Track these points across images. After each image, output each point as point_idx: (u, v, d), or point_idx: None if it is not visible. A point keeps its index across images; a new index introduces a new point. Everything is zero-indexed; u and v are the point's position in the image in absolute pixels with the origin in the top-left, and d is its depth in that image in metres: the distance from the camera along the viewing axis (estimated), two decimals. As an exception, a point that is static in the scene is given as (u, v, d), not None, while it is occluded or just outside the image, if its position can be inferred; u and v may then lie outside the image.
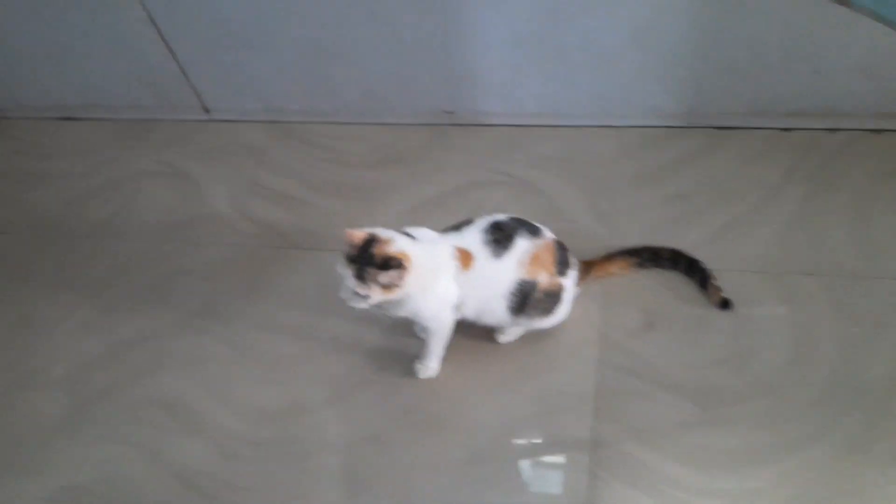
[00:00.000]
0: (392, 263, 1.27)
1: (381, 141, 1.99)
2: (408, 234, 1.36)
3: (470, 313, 1.45)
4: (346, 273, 1.30)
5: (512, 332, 1.55)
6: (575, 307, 1.53)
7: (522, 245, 1.40)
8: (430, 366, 1.55)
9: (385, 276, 1.28)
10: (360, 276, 1.28)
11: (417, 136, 1.97)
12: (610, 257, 1.61)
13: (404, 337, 1.61)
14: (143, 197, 2.01)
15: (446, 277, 1.37)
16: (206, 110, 2.09)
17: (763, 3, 1.54)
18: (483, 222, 1.43)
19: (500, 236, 1.40)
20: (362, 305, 1.32)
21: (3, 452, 1.62)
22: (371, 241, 1.30)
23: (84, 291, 1.85)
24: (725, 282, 1.56)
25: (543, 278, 1.41)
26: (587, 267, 1.56)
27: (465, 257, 1.38)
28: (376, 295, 1.30)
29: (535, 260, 1.40)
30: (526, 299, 1.41)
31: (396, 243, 1.30)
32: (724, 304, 1.54)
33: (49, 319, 1.81)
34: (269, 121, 2.07)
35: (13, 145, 2.19)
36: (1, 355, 1.77)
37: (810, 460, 1.36)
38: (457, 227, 1.44)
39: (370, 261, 1.28)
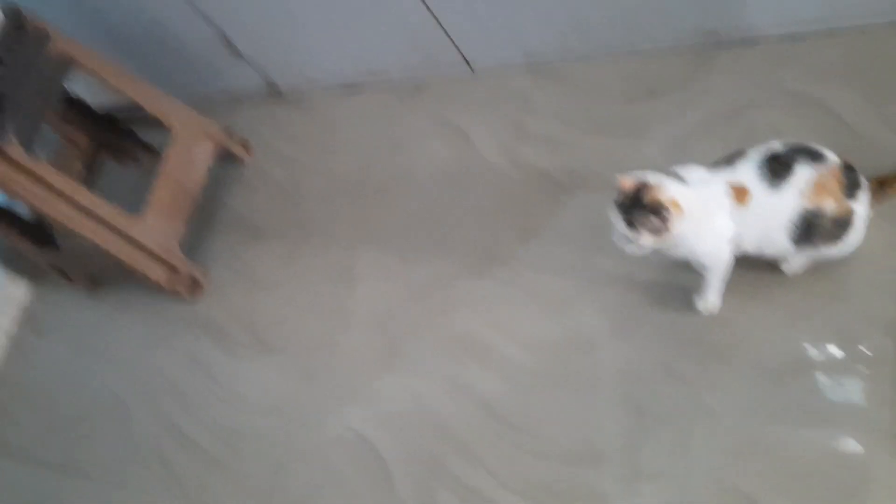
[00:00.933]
0: (662, 210, 1.29)
1: (641, 72, 1.96)
2: (677, 176, 1.37)
3: (750, 247, 1.43)
4: (617, 219, 1.34)
5: (798, 261, 1.49)
6: (869, 230, 1.43)
7: (803, 173, 1.33)
8: (711, 299, 1.55)
9: (655, 223, 1.30)
10: (631, 223, 1.32)
11: (679, 62, 1.91)
12: None
13: (680, 271, 1.61)
14: (422, 153, 2.19)
15: (720, 215, 1.36)
16: (470, 65, 2.21)
17: None
18: (757, 153, 1.38)
19: (777, 166, 1.34)
20: (635, 251, 1.36)
21: (338, 384, 1.93)
22: (641, 187, 1.33)
23: (382, 243, 2.10)
24: None
25: (829, 205, 1.33)
26: (880, 185, 1.44)
27: (739, 193, 1.35)
28: (648, 241, 1.33)
29: (818, 187, 1.33)
30: (811, 229, 1.35)
31: (666, 189, 1.32)
32: None
33: (357, 270, 2.08)
34: (528, 66, 2.14)
35: (310, 118, 2.50)
36: (326, 302, 2.07)
37: None
38: (729, 161, 1.41)
39: (640, 208, 1.31)
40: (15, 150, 1.85)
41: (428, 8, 2.04)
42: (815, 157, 1.35)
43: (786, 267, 1.51)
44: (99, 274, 2.43)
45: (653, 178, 1.34)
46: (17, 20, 1.90)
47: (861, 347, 1.42)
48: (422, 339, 1.87)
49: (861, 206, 1.37)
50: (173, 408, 2.13)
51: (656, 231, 1.32)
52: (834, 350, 1.44)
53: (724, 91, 1.80)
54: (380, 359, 1.90)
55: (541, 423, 1.64)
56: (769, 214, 1.36)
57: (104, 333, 2.37)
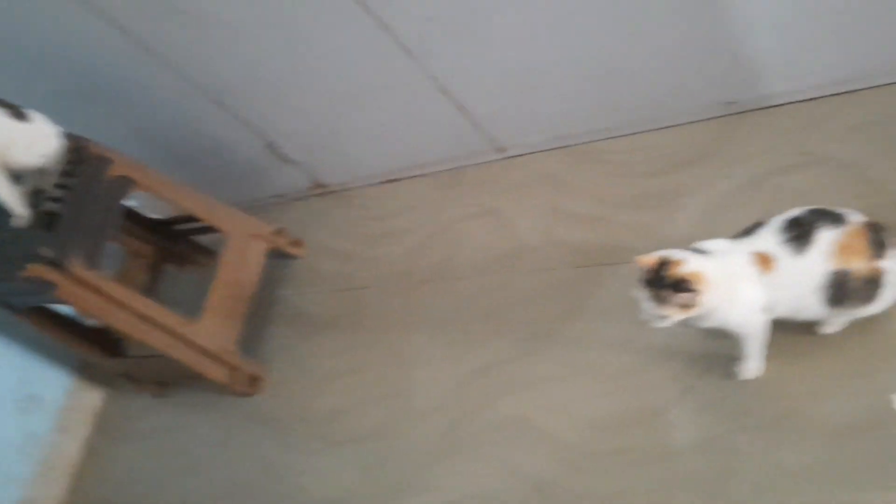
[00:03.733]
0: (685, 285, 1.33)
1: (668, 145, 2.02)
2: (699, 250, 1.41)
3: (785, 312, 1.45)
4: (642, 296, 1.39)
5: (835, 322, 1.50)
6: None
7: (825, 236, 1.36)
8: (751, 366, 1.56)
9: (680, 298, 1.34)
10: (657, 299, 1.36)
11: (702, 133, 1.97)
12: None
13: (721, 339, 1.64)
14: (464, 239, 2.27)
15: (748, 284, 1.39)
16: (502, 150, 2.31)
17: None
18: (776, 221, 1.42)
19: (798, 232, 1.38)
20: (664, 325, 1.39)
21: (396, 473, 1.96)
22: (663, 263, 1.37)
23: (432, 329, 2.16)
24: None
25: (858, 265, 1.36)
26: None
27: (763, 261, 1.39)
28: (675, 315, 1.36)
29: (843, 248, 1.35)
30: (842, 290, 1.37)
31: (688, 263, 1.36)
32: None
33: (410, 357, 2.14)
34: (559, 147, 2.22)
35: (357, 212, 2.62)
36: (382, 391, 2.13)
37: None
38: (748, 232, 1.45)
39: (664, 283, 1.35)
40: (79, 267, 1.99)
41: (457, 104, 2.16)
42: (835, 219, 1.38)
43: (823, 328, 1.52)
44: (164, 378, 2.54)
45: (674, 253, 1.39)
46: (79, 148, 2.08)
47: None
48: (475, 424, 1.91)
49: (891, 264, 1.38)
50: (240, 505, 2.20)
51: (684, 306, 1.35)
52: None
53: (749, 159, 1.85)
54: (436, 446, 1.93)
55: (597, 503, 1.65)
56: (798, 279, 1.39)
57: (172, 436, 2.47)
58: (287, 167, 2.65)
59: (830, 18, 1.64)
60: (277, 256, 2.57)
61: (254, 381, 2.35)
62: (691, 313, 1.37)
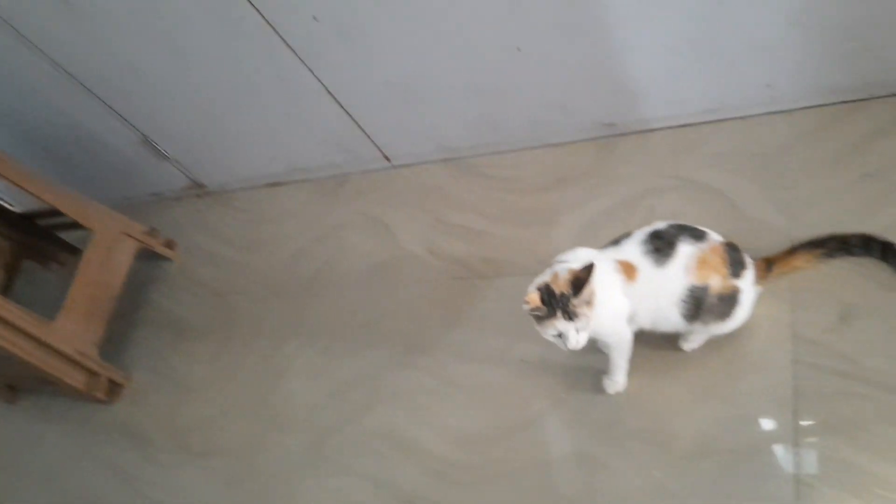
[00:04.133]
0: (580, 280, 1.35)
1: (549, 163, 2.05)
2: (562, 261, 1.43)
3: (645, 323, 1.48)
4: (553, 327, 1.38)
5: (695, 338, 1.55)
6: (761, 306, 1.51)
7: (685, 250, 1.41)
8: (617, 380, 1.59)
9: (585, 293, 1.35)
10: (567, 315, 1.36)
11: (582, 153, 2.01)
12: (792, 251, 1.54)
13: (589, 354, 1.66)
14: (345, 247, 2.23)
15: (614, 291, 1.41)
16: (388, 159, 2.28)
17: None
18: (641, 233, 1.46)
19: (661, 244, 1.42)
20: (584, 339, 1.39)
21: (260, 489, 1.88)
22: (546, 288, 1.37)
23: (308, 338, 2.10)
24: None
25: (715, 282, 1.40)
26: (767, 264, 1.52)
27: (627, 269, 1.42)
28: (588, 315, 1.37)
29: (702, 264, 1.40)
30: (700, 304, 1.41)
31: (566, 271, 1.37)
32: None
33: (282, 367, 2.07)
34: (444, 160, 2.22)
35: (237, 215, 2.53)
36: (251, 402, 2.05)
37: None
38: (615, 242, 1.48)
39: (562, 297, 1.36)
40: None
41: (344, 109, 2.12)
42: (696, 235, 1.43)
43: (684, 344, 1.57)
44: (16, 382, 2.36)
45: (547, 275, 1.40)
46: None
47: (762, 420, 1.47)
48: (346, 436, 1.86)
49: (746, 284, 1.44)
50: (92, 521, 2.05)
51: (588, 301, 1.36)
52: (736, 441, 1.48)
53: (625, 180, 1.90)
54: (303, 460, 1.87)
55: (464, 515, 1.63)
56: (659, 290, 1.42)
57: (23, 445, 2.29)
58: (164, 165, 2.54)
59: (703, 52, 1.71)
60: (149, 258, 2.45)
61: (114, 388, 2.22)
62: (595, 308, 1.37)
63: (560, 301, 1.36)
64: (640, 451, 1.53)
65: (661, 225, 1.46)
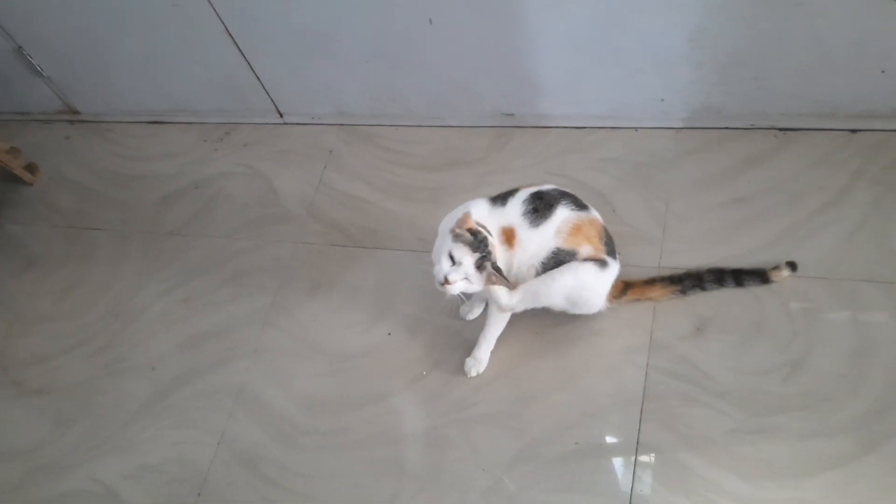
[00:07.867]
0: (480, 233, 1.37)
1: (444, 143, 2.04)
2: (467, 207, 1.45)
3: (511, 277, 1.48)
4: (461, 255, 1.36)
5: (476, 308, 1.60)
6: (627, 310, 1.55)
7: (562, 214, 1.42)
8: (481, 357, 1.59)
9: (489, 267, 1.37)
10: (481, 259, 1.37)
11: (479, 139, 2.01)
12: (651, 282, 1.59)
13: (456, 334, 1.67)
14: (221, 196, 2.13)
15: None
16: (281, 114, 2.20)
17: (826, 1, 1.50)
18: (525, 192, 1.46)
19: (541, 205, 1.42)
20: (459, 288, 1.38)
21: (94, 431, 1.77)
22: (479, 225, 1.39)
23: (167, 284, 1.99)
24: (784, 287, 1.54)
25: (586, 250, 1.42)
26: (624, 286, 1.56)
27: (508, 236, 1.43)
28: (481, 277, 1.38)
29: (576, 230, 1.41)
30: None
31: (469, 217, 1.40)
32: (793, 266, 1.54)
33: (135, 309, 1.96)
34: (339, 124, 2.16)
35: (110, 147, 2.37)
36: (95, 342, 1.92)
37: (859, 474, 1.33)
38: (502, 199, 1.47)
39: (483, 244, 1.37)
40: None
41: (242, 53, 2.02)
42: (579, 205, 1.44)
43: (466, 313, 1.64)
44: None
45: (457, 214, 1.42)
46: None
47: (610, 417, 1.51)
48: (195, 388, 1.77)
49: (613, 267, 1.46)
50: None
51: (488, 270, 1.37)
52: (583, 435, 1.52)
53: (516, 170, 1.91)
54: (142, 406, 1.78)
55: (305, 480, 1.58)
56: (526, 249, 1.42)
57: None
58: (36, 82, 2.34)
59: (606, 57, 1.74)
60: (5, 178, 2.26)
61: (-58, 312, 2.02)
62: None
63: (480, 244, 1.36)
64: (490, 435, 1.54)
65: (547, 187, 1.46)
